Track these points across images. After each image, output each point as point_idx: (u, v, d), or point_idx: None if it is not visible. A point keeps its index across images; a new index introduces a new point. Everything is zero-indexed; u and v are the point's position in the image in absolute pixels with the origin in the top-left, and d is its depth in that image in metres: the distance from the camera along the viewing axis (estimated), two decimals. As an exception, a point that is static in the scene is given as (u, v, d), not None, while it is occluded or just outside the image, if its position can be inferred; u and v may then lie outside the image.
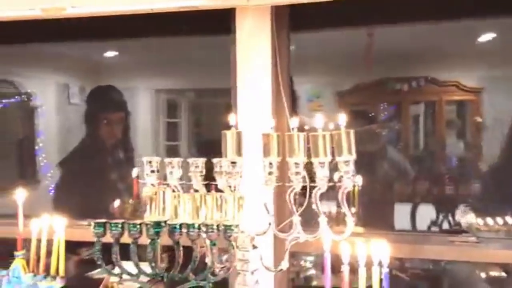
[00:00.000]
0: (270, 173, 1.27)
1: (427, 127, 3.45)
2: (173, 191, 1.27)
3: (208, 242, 1.18)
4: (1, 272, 1.54)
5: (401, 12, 2.19)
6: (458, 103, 3.37)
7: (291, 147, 1.25)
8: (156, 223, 1.11)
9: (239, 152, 1.23)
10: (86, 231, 1.80)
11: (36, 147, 3.85)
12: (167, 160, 1.31)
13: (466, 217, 2.15)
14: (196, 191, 1.27)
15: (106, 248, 1.21)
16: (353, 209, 2.19)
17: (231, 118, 1.25)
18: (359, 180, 2.26)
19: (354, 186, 2.28)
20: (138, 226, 1.15)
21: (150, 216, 1.14)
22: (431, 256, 1.59)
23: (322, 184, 1.24)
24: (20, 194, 1.54)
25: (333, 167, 1.29)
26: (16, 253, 1.52)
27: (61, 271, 1.49)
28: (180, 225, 1.14)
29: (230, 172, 1.21)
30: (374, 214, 2.28)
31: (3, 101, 3.74)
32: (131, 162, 2.67)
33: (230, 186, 1.25)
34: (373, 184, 2.51)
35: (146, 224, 1.14)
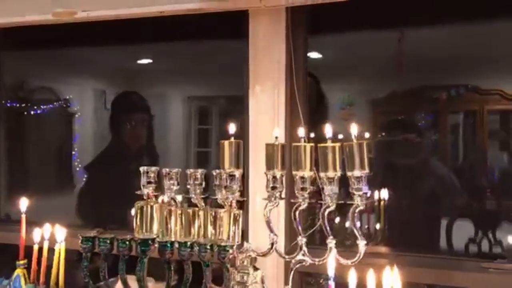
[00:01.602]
0: (273, 188, 1.14)
1: (467, 138, 3.20)
2: (170, 204, 1.16)
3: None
4: (3, 281, 1.48)
5: (438, 12, 2.01)
6: (501, 113, 3.10)
7: (297, 159, 1.12)
8: (143, 241, 1.00)
9: (237, 164, 1.11)
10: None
11: (73, 152, 3.89)
12: (164, 170, 1.21)
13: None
14: (195, 205, 1.16)
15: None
16: (378, 225, 2.02)
17: (231, 127, 1.13)
18: (384, 194, 2.08)
19: (380, 200, 2.10)
20: (127, 243, 1.05)
21: (137, 232, 1.03)
22: (460, 284, 1.40)
23: (330, 201, 1.10)
24: (23, 203, 1.48)
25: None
26: (17, 263, 1.46)
27: (61, 282, 1.42)
28: (171, 243, 1.02)
29: (227, 186, 1.09)
30: (403, 231, 2.08)
31: (42, 107, 3.81)
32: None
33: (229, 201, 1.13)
34: (406, 199, 2.30)
35: (135, 241, 1.03)
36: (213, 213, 1.01)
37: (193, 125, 4.11)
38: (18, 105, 3.75)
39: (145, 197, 1.18)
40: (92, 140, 3.64)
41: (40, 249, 1.45)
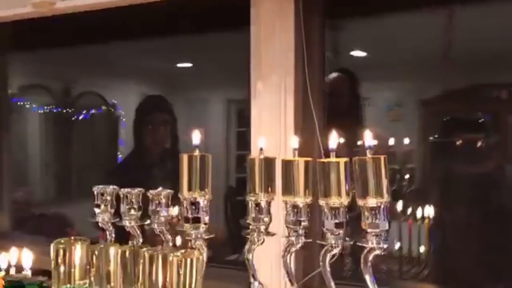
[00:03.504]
0: (254, 220, 0.78)
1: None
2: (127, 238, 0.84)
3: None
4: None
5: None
6: None
7: (287, 179, 0.76)
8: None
9: (202, 186, 0.76)
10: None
11: (120, 155, 3.75)
12: (123, 191, 0.89)
13: None
14: (161, 241, 0.83)
15: None
16: (422, 248, 1.57)
17: (195, 136, 0.79)
18: (430, 211, 1.61)
19: (424, 218, 1.64)
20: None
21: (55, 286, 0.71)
22: None
23: (333, 242, 0.72)
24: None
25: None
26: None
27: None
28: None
29: (188, 217, 0.75)
30: (457, 260, 1.57)
31: (91, 112, 3.69)
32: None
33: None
34: (464, 217, 1.75)
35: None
36: (161, 257, 0.67)
37: (233, 128, 3.84)
38: (65, 110, 3.64)
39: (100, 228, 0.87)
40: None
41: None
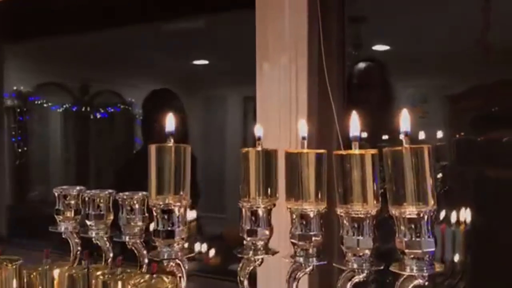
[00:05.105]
0: (250, 233, 0.57)
1: None
2: (95, 254, 0.64)
3: None
4: None
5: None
6: None
7: (292, 178, 0.54)
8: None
9: (178, 188, 0.55)
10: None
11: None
12: (87, 193, 0.69)
13: None
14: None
15: None
16: (457, 257, 1.33)
17: (168, 122, 0.58)
18: (467, 215, 1.40)
19: (459, 223, 1.42)
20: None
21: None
22: None
23: (355, 266, 0.51)
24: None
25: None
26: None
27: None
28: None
29: (158, 230, 0.55)
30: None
31: (109, 110, 3.59)
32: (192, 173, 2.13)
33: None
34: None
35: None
36: (118, 284, 0.46)
37: (250, 126, 3.65)
38: (83, 109, 3.54)
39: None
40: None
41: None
